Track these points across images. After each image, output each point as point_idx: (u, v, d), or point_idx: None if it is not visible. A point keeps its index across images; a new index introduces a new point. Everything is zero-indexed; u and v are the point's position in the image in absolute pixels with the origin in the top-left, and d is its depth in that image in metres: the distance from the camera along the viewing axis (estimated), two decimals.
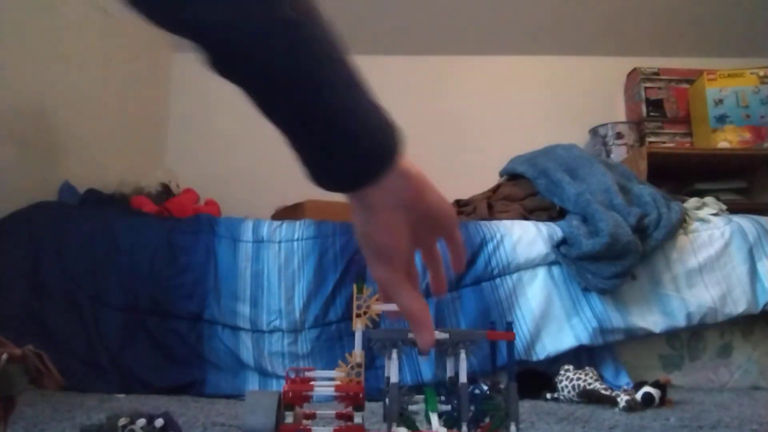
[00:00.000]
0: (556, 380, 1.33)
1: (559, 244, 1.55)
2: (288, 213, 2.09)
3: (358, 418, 0.51)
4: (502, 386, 0.53)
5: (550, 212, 1.75)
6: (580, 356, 1.47)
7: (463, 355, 0.51)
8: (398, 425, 0.48)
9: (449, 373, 0.54)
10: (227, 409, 1.17)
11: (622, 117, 2.85)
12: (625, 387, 1.28)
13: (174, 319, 1.49)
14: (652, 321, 1.51)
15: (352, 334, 0.53)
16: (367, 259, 0.49)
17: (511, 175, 1.98)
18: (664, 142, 2.67)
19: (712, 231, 1.62)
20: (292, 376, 0.52)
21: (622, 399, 1.16)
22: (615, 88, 2.92)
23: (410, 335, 0.49)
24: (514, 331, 0.54)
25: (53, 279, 1.49)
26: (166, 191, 2.18)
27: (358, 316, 0.53)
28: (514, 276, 1.52)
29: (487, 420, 0.52)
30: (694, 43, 2.85)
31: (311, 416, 0.54)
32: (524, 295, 1.51)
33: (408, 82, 2.76)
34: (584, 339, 1.45)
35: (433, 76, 2.90)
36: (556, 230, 1.58)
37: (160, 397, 1.33)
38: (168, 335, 1.48)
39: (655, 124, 2.70)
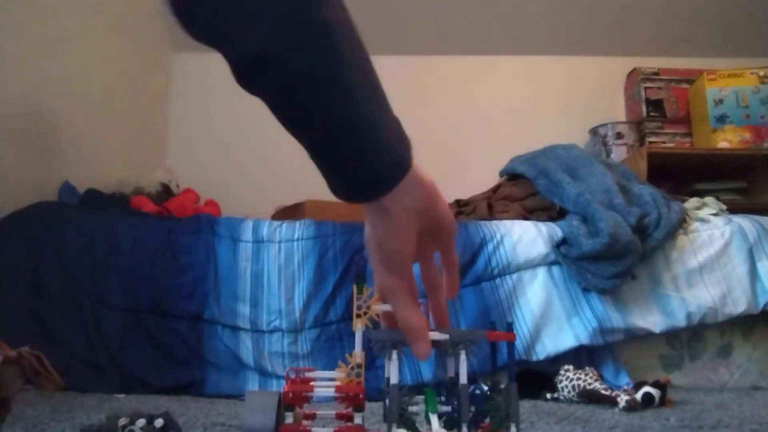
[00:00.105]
0: (556, 380, 1.33)
1: (559, 244, 1.55)
2: (288, 213, 2.09)
3: (358, 419, 0.51)
4: (502, 387, 0.53)
5: (550, 212, 1.75)
6: (580, 356, 1.47)
7: (463, 356, 0.50)
8: (398, 426, 0.48)
9: (449, 373, 0.54)
10: (227, 409, 1.17)
11: (622, 117, 2.85)
12: (625, 387, 1.28)
13: (174, 319, 1.49)
14: (652, 321, 1.51)
15: (352, 334, 0.53)
16: (375, 266, 0.50)
17: (511, 175, 1.98)
18: (664, 142, 2.67)
19: (712, 231, 1.62)
20: (292, 376, 0.52)
21: (622, 399, 1.16)
22: (615, 88, 2.92)
23: None
24: (514, 331, 0.54)
25: (53, 279, 1.49)
26: (166, 191, 2.18)
27: (358, 316, 0.53)
28: (514, 276, 1.52)
29: (487, 421, 0.52)
30: (693, 43, 2.85)
31: (311, 417, 0.54)
32: (524, 295, 1.51)
33: (408, 82, 2.76)
34: (584, 339, 1.45)
35: (432, 76, 2.90)
36: (556, 230, 1.58)
37: (160, 397, 1.33)
38: (168, 335, 1.48)
39: (655, 124, 2.70)
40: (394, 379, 0.49)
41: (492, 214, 1.80)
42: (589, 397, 1.25)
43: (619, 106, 2.92)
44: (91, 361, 1.43)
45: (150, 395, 1.36)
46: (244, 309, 1.50)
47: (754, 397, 1.36)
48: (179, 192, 2.26)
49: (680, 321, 1.51)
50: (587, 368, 1.33)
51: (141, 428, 0.62)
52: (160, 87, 2.85)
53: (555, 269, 1.54)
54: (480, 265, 1.52)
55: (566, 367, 1.34)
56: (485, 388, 0.54)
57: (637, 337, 1.51)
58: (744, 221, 1.64)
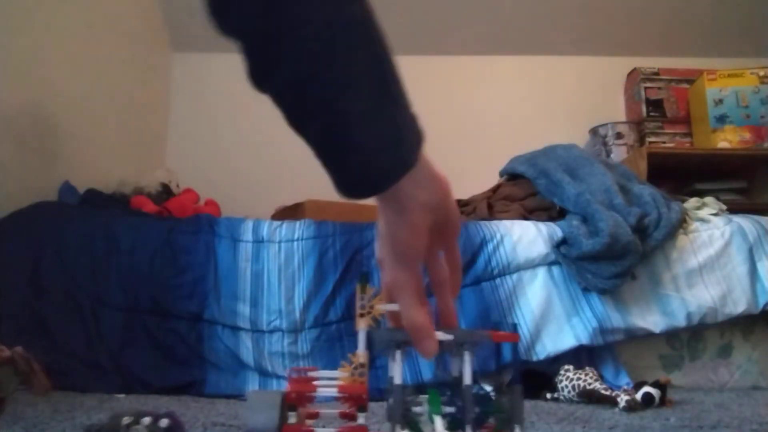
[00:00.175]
0: (556, 380, 1.33)
1: (559, 244, 1.55)
2: (288, 213, 2.09)
3: (361, 419, 0.51)
4: (505, 387, 0.52)
5: (550, 212, 1.75)
6: (580, 356, 1.47)
7: (467, 357, 0.50)
8: (402, 427, 0.48)
9: (454, 373, 0.54)
10: (227, 409, 1.17)
11: (622, 117, 2.85)
12: (625, 387, 1.28)
13: (174, 319, 1.49)
14: (652, 321, 1.51)
15: (353, 334, 0.53)
16: (385, 262, 0.50)
17: (511, 175, 1.98)
18: (664, 142, 2.67)
19: (712, 231, 1.62)
20: (295, 376, 0.52)
21: (622, 399, 1.16)
22: (615, 88, 2.92)
23: None
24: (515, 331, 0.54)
25: (53, 279, 1.49)
26: (166, 191, 2.18)
27: (362, 315, 0.53)
28: (514, 276, 1.52)
29: (491, 421, 0.52)
30: (694, 43, 2.85)
31: (314, 416, 0.54)
32: (524, 295, 1.51)
33: (408, 82, 2.76)
34: (584, 339, 1.45)
35: (432, 76, 2.89)
36: (556, 230, 1.58)
37: (160, 397, 1.33)
38: (168, 335, 1.48)
39: (655, 124, 2.70)
40: (398, 380, 0.49)
41: (492, 214, 1.80)
42: (589, 397, 1.25)
43: (619, 106, 2.92)
44: (91, 361, 1.43)
45: (150, 395, 1.36)
46: (244, 309, 1.50)
47: (754, 397, 1.36)
48: (179, 192, 2.26)
49: (680, 321, 1.51)
50: (587, 368, 1.33)
51: (146, 427, 0.61)
52: (160, 87, 2.85)
53: (555, 269, 1.54)
54: (480, 265, 1.52)
55: (566, 367, 1.34)
56: (489, 388, 0.54)
57: (637, 337, 1.51)
58: (744, 221, 1.64)
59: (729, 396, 1.37)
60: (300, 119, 0.45)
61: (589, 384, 1.26)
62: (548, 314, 1.49)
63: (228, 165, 2.77)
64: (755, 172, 2.58)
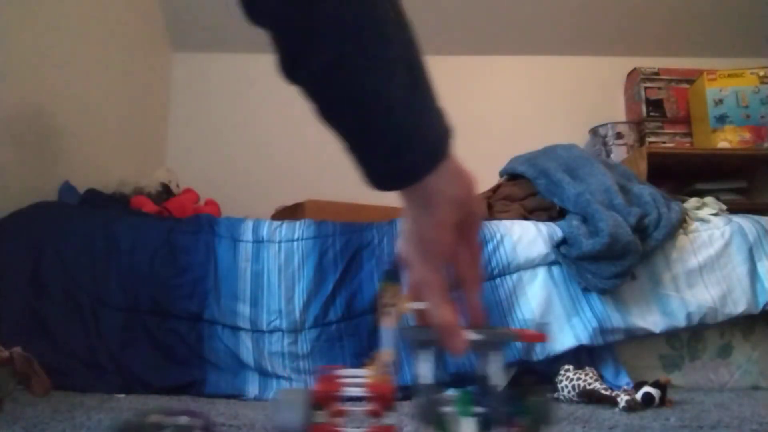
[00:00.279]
0: (556, 380, 1.33)
1: (559, 244, 1.55)
2: (288, 213, 2.09)
3: (389, 419, 0.50)
4: (536, 387, 0.51)
5: (550, 212, 1.75)
6: (580, 356, 1.47)
7: (495, 356, 0.49)
8: (431, 427, 0.47)
9: (481, 372, 0.53)
10: (227, 409, 1.17)
11: (622, 117, 2.85)
12: (625, 387, 1.28)
13: (174, 319, 1.49)
14: (652, 321, 1.51)
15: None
16: (412, 259, 0.49)
17: (511, 175, 1.97)
18: (664, 142, 2.67)
19: (712, 231, 1.62)
20: (321, 375, 0.52)
21: (622, 399, 1.16)
22: (615, 88, 2.92)
23: None
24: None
25: (53, 279, 1.49)
26: (166, 191, 2.18)
27: (386, 313, 0.52)
28: (514, 276, 1.52)
29: (520, 422, 0.51)
30: (694, 43, 2.85)
31: (342, 414, 0.53)
32: (524, 295, 1.51)
33: None
34: (584, 339, 1.45)
35: (432, 76, 2.90)
36: (556, 230, 1.58)
37: (160, 397, 1.33)
38: (168, 335, 1.48)
39: (655, 124, 2.70)
40: (426, 380, 0.48)
41: (492, 214, 1.80)
42: (589, 397, 1.25)
43: (619, 106, 2.92)
44: (91, 361, 1.43)
45: (150, 395, 1.36)
46: (244, 309, 1.50)
47: (754, 397, 1.36)
48: (179, 192, 2.26)
49: (680, 321, 1.51)
50: (587, 368, 1.33)
51: (185, 425, 0.59)
52: (160, 87, 2.85)
53: (555, 269, 1.54)
54: None
55: (566, 367, 1.34)
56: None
57: (637, 337, 1.51)
58: (744, 221, 1.64)
59: (729, 396, 1.37)
60: (332, 108, 0.45)
61: (589, 384, 1.26)
62: (548, 314, 1.49)
63: (228, 165, 2.77)
64: (755, 172, 2.58)
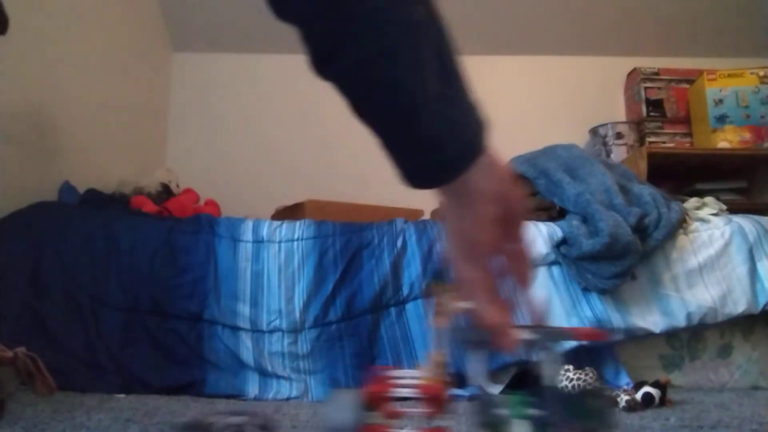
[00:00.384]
0: (556, 380, 1.33)
1: (559, 244, 1.55)
2: (288, 213, 2.09)
3: (444, 421, 0.49)
4: (596, 390, 0.50)
5: (550, 212, 1.74)
6: (580, 356, 1.47)
7: (548, 356, 0.48)
8: (485, 431, 0.46)
9: (536, 373, 0.52)
10: (227, 409, 1.17)
11: (622, 117, 2.85)
12: (625, 387, 1.28)
13: (174, 319, 1.49)
14: (652, 321, 1.51)
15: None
16: (456, 258, 0.48)
17: None
18: (664, 142, 2.67)
19: (712, 231, 1.62)
20: (374, 375, 0.51)
21: (622, 399, 1.16)
22: (615, 88, 2.92)
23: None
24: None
25: (53, 279, 1.49)
26: (166, 191, 2.18)
27: (439, 313, 0.51)
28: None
29: (577, 426, 0.50)
30: (694, 43, 2.85)
31: (395, 415, 0.52)
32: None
33: None
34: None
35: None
36: (556, 230, 1.58)
37: (160, 397, 1.33)
38: (168, 335, 1.48)
39: (655, 124, 2.70)
40: (482, 384, 0.47)
41: None
42: None
43: (619, 106, 2.91)
44: (91, 361, 1.43)
45: (150, 395, 1.36)
46: (244, 309, 1.50)
47: (754, 397, 1.36)
48: (179, 192, 2.26)
49: (680, 321, 1.51)
50: (587, 368, 1.33)
51: (246, 424, 0.59)
52: (160, 87, 2.85)
53: (555, 269, 1.54)
54: None
55: (566, 367, 1.34)
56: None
57: (637, 337, 1.51)
58: (744, 221, 1.64)
59: (729, 396, 1.37)
60: (365, 104, 0.44)
61: (589, 384, 1.26)
62: (548, 314, 1.49)
63: (228, 165, 2.77)
64: (755, 172, 2.58)
